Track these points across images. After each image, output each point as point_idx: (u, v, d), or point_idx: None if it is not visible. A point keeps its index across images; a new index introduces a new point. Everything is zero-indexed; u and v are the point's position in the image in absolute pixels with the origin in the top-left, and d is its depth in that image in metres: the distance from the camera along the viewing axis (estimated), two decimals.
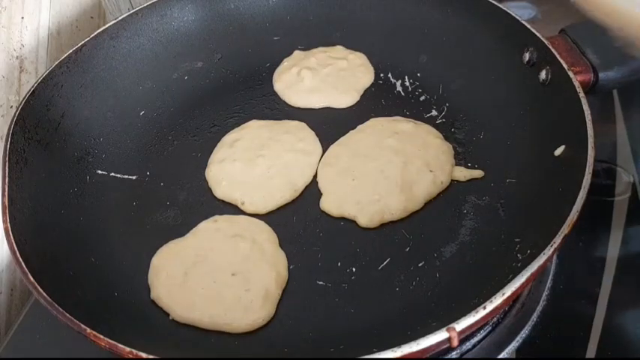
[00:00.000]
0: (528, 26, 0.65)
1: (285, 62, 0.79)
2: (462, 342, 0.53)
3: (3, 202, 0.54)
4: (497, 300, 0.43)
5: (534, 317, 0.56)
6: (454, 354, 0.54)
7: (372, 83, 0.75)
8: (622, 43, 0.54)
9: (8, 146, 0.58)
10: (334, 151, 0.67)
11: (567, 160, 0.56)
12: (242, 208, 0.63)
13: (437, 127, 0.68)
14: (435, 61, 0.75)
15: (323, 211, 0.62)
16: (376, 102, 0.73)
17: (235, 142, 0.69)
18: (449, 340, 0.41)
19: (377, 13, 0.80)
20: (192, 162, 0.69)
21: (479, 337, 0.55)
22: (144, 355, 0.43)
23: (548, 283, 0.59)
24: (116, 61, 0.74)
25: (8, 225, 0.52)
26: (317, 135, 0.69)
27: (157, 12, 0.77)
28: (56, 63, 0.68)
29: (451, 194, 0.62)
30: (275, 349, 0.52)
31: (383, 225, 0.60)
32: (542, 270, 0.46)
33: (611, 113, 0.74)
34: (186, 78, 0.78)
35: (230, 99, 0.76)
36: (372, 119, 0.70)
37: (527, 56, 0.65)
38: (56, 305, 0.47)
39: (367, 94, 0.74)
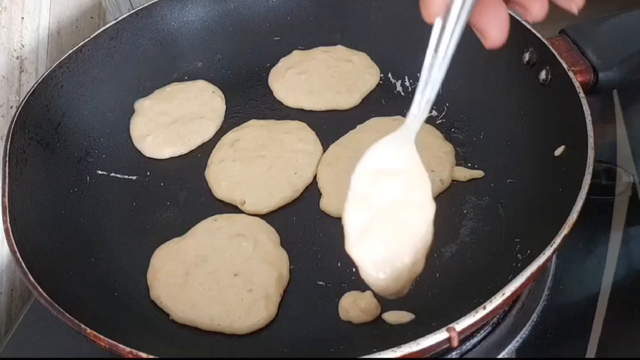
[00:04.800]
0: (528, 26, 0.65)
1: (281, 62, 0.78)
2: (462, 342, 0.53)
3: (3, 202, 0.54)
4: (497, 300, 0.43)
5: (534, 317, 0.56)
6: (454, 354, 0.54)
7: None
8: None
9: (8, 146, 0.58)
10: (334, 151, 0.67)
11: (567, 160, 0.56)
12: (242, 208, 0.63)
13: (437, 127, 0.68)
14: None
15: (323, 211, 0.62)
16: (376, 102, 0.73)
17: (235, 142, 0.69)
18: (449, 340, 0.41)
19: (377, 13, 0.80)
20: (192, 162, 0.69)
21: (479, 337, 0.55)
22: (144, 355, 0.43)
23: (548, 283, 0.59)
24: (116, 61, 0.74)
25: (8, 225, 0.52)
26: (317, 135, 0.69)
27: (157, 12, 0.77)
28: (56, 63, 0.68)
29: (451, 194, 0.62)
30: (275, 349, 0.52)
31: None
32: (542, 270, 0.46)
33: (611, 113, 0.74)
34: (186, 78, 0.78)
35: (230, 99, 0.76)
36: (372, 119, 0.70)
37: (527, 56, 0.65)
38: (56, 305, 0.47)
39: (367, 95, 0.74)
